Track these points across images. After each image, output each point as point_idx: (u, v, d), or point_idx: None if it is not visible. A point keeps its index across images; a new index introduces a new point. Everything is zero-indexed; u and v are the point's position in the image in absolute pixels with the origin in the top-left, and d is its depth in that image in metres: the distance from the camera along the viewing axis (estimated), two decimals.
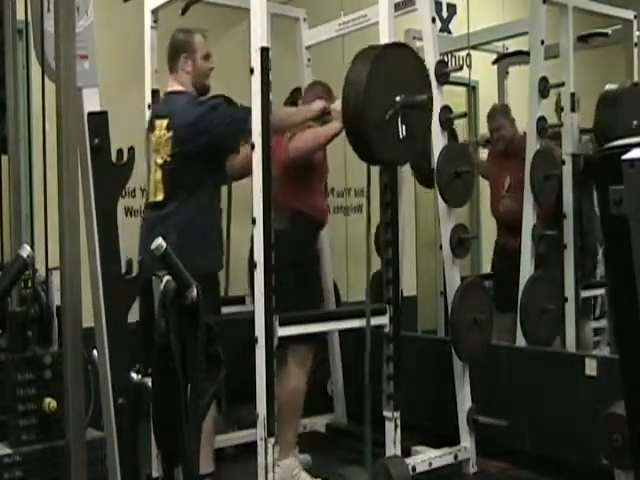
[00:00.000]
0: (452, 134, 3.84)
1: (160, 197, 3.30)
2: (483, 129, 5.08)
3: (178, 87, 3.40)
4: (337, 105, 3.31)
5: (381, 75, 3.06)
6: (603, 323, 4.66)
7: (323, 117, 3.45)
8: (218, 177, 3.43)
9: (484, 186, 4.92)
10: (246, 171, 3.34)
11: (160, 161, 3.30)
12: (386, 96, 3.06)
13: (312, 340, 3.51)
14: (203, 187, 3.30)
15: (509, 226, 4.46)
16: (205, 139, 3.22)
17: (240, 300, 4.01)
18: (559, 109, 4.24)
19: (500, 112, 4.63)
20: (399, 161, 3.43)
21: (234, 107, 3.34)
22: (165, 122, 3.31)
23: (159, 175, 3.29)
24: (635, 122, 3.58)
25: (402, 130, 3.07)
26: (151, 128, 3.41)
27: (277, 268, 3.10)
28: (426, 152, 3.67)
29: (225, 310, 3.57)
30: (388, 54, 3.16)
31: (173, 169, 3.27)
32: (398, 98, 3.07)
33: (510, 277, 4.11)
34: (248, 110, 3.13)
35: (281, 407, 3.36)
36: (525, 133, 4.35)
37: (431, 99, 3.23)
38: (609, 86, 4.02)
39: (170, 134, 3.28)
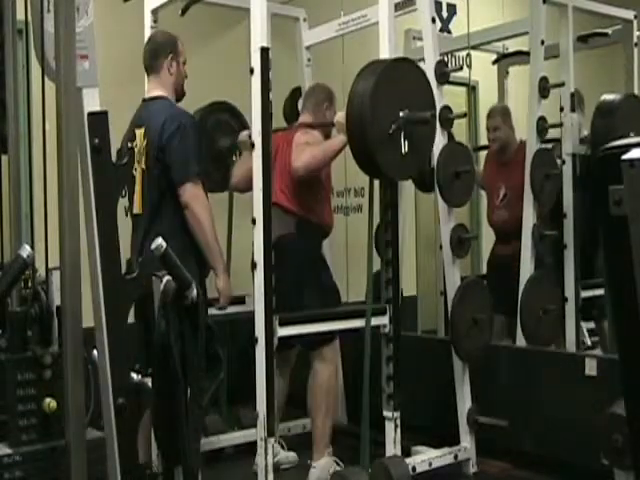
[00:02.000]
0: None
1: (139, 209, 3.17)
2: (483, 129, 5.08)
3: (158, 92, 3.26)
4: (341, 117, 3.29)
5: (385, 90, 3.06)
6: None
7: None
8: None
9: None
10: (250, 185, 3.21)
11: (140, 172, 3.15)
12: (390, 111, 3.07)
13: (334, 338, 3.56)
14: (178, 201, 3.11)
15: (503, 234, 4.52)
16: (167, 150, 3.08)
17: (240, 300, 4.01)
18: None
19: (499, 112, 4.61)
20: (402, 176, 3.43)
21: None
22: (142, 131, 3.18)
23: (139, 186, 3.15)
24: (632, 133, 3.55)
25: (405, 146, 3.06)
26: (132, 137, 3.24)
27: (285, 271, 3.27)
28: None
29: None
30: (392, 69, 3.15)
31: (150, 178, 3.13)
32: (402, 114, 3.08)
33: (500, 280, 4.20)
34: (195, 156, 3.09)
35: (313, 406, 3.45)
36: (522, 141, 4.37)
37: (434, 116, 3.22)
38: (606, 96, 3.99)
39: (145, 142, 3.14)
